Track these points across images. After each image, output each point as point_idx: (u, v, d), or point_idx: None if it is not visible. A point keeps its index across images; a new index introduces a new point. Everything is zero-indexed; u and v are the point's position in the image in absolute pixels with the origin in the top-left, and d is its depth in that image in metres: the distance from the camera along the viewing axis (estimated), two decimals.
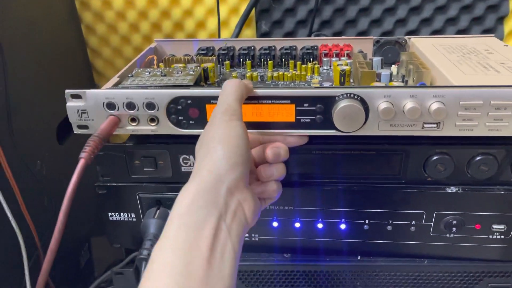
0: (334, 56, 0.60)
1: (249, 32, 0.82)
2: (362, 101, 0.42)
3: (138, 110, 0.44)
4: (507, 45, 0.55)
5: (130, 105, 0.44)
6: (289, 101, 0.43)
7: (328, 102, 0.42)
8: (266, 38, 0.63)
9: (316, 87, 0.43)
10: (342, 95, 0.42)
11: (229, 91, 0.40)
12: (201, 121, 0.44)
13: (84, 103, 0.44)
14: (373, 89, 0.41)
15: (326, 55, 0.61)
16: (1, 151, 0.56)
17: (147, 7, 0.79)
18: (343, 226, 0.50)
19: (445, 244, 0.49)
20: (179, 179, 0.50)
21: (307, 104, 0.43)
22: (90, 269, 0.82)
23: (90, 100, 0.44)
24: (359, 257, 0.51)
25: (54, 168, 0.70)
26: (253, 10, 0.78)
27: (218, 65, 0.59)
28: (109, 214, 0.53)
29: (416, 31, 0.79)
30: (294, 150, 0.45)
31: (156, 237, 0.48)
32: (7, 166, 0.56)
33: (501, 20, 0.77)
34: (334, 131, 0.43)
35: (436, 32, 0.79)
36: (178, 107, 0.44)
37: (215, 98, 0.43)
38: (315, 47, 0.61)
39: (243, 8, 0.78)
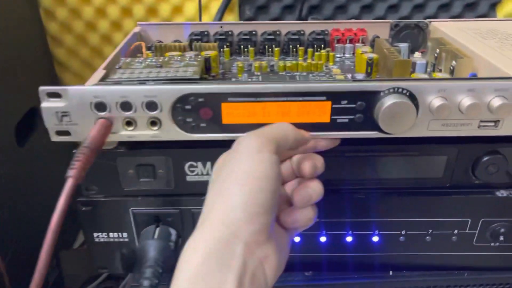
0: (348, 42, 0.53)
1: (231, 18, 0.74)
2: (412, 97, 0.35)
3: (135, 111, 0.35)
4: None
5: (126, 105, 0.35)
6: (324, 98, 0.35)
7: (370, 98, 0.35)
8: (268, 22, 0.56)
9: (355, 80, 0.36)
10: (388, 90, 0.35)
11: (279, 126, 0.33)
12: (215, 124, 0.36)
13: (66, 103, 0.35)
14: (425, 83, 0.35)
15: (338, 41, 0.53)
16: None
17: None
18: (375, 239, 0.43)
19: (488, 254, 0.44)
20: (183, 191, 0.42)
21: (345, 101, 0.35)
22: None
23: (74, 99, 0.35)
24: (391, 272, 0.45)
25: (13, 174, 0.60)
26: None
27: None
28: (95, 234, 0.44)
29: (408, 17, 0.75)
30: (319, 153, 0.38)
31: (157, 262, 0.40)
32: None
33: (494, 6, 0.74)
34: (376, 132, 0.36)
35: (429, 18, 0.74)
36: (187, 107, 0.35)
37: (234, 95, 0.35)
38: (326, 32, 0.53)
39: None
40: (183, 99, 0.35)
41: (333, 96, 0.35)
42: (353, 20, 0.56)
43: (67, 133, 0.36)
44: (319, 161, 0.35)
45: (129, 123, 0.36)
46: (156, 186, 0.41)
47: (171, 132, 0.36)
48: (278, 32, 0.53)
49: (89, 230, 0.44)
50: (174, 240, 0.42)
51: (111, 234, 0.44)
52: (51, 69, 0.80)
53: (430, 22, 0.54)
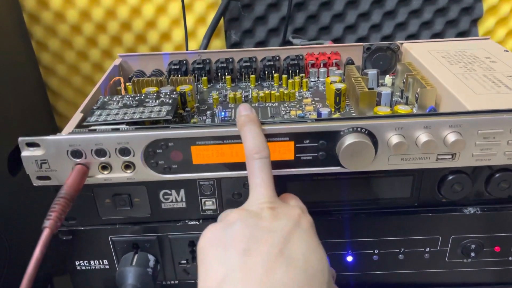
0: (322, 66, 0.55)
1: (218, 43, 0.75)
2: (371, 135, 0.37)
3: (110, 156, 0.37)
4: (507, 50, 0.51)
5: (100, 152, 0.37)
6: (287, 138, 0.37)
7: (331, 137, 0.37)
8: (244, 49, 0.57)
9: (316, 120, 0.37)
10: (347, 129, 0.36)
11: (265, 178, 0.32)
12: (186, 165, 0.38)
13: (44, 152, 0.37)
14: (382, 121, 0.36)
15: (312, 65, 0.55)
16: None
17: (105, 19, 0.71)
18: (350, 258, 0.45)
19: (462, 270, 0.46)
20: (159, 218, 0.43)
21: (308, 141, 0.37)
22: None
23: (51, 148, 0.37)
24: None
25: (6, 204, 0.61)
26: (222, 19, 0.72)
27: (195, 83, 0.52)
28: (77, 262, 0.46)
29: (391, 36, 0.74)
30: (292, 177, 0.40)
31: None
32: None
33: (475, 22, 0.74)
34: (338, 168, 0.38)
35: (411, 37, 0.74)
36: (158, 151, 0.37)
37: (202, 139, 0.37)
38: (300, 57, 0.55)
39: (210, 17, 0.71)
40: (154, 144, 0.37)
41: (295, 137, 0.37)
42: (327, 45, 0.57)
43: (47, 178, 0.38)
44: None
45: (104, 167, 0.38)
46: (133, 214, 0.43)
47: (145, 174, 0.38)
48: (254, 59, 0.55)
49: (71, 258, 0.45)
50: (152, 266, 0.44)
51: (92, 262, 0.46)
52: (45, 98, 0.81)
53: (402, 44, 0.55)
